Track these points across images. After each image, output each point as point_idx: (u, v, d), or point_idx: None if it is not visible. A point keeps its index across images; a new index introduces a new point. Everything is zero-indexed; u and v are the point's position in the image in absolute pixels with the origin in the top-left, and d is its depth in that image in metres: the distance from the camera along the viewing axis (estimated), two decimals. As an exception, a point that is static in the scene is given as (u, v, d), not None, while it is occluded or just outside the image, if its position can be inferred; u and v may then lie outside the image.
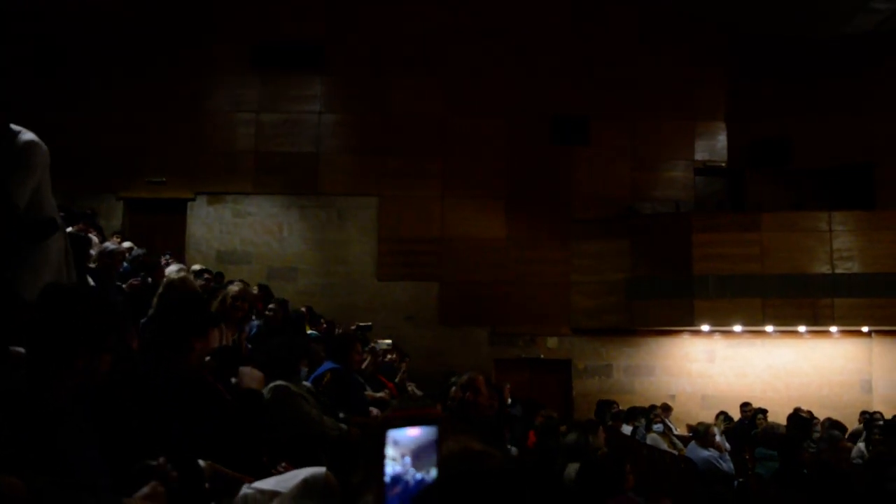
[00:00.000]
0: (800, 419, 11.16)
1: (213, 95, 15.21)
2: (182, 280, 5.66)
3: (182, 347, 3.29)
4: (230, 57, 15.16)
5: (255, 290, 8.67)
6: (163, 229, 14.43)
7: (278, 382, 4.67)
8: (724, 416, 12.89)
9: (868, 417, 11.87)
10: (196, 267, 9.64)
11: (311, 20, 15.28)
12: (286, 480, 2.81)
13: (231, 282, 7.40)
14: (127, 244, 9.30)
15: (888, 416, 12.39)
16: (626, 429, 11.61)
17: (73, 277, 2.87)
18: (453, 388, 4.65)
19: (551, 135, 15.40)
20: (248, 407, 3.70)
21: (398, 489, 1.85)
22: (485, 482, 1.38)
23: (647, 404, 13.08)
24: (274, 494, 2.76)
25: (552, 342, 15.12)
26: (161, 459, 2.32)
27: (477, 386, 4.66)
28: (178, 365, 3.28)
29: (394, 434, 1.97)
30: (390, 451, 1.93)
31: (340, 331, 9.97)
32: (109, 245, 6.97)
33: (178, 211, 14.86)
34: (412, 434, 1.98)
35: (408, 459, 2.00)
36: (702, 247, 14.20)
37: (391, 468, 1.94)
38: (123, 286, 6.74)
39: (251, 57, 15.18)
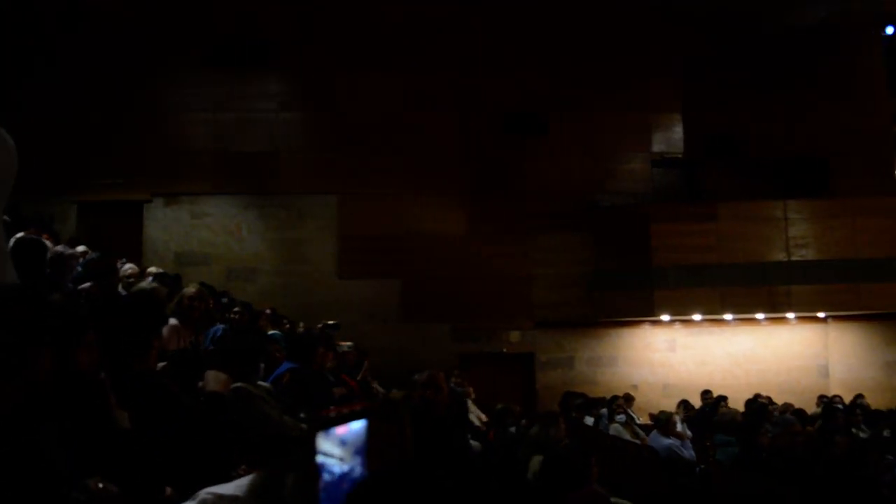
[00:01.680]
0: (757, 405, 11.35)
1: (168, 95, 14.98)
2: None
3: (142, 349, 3.25)
4: (185, 55, 14.94)
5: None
6: (119, 232, 14.18)
7: (237, 384, 4.64)
8: (684, 404, 13.04)
9: (827, 401, 12.08)
10: (152, 270, 9.50)
11: (266, 18, 15.11)
12: (244, 485, 2.77)
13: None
14: (81, 248, 9.13)
15: (846, 399, 12.64)
16: (589, 420, 11.68)
17: (12, 277, 2.80)
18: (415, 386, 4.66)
19: (509, 129, 15.41)
20: (211, 410, 3.67)
21: (346, 486, 1.84)
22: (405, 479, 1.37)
23: (609, 395, 13.17)
24: (234, 499, 2.72)
25: (514, 336, 15.16)
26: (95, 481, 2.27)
27: (438, 383, 4.67)
28: (139, 367, 3.24)
29: (339, 434, 1.95)
30: (337, 451, 1.91)
31: (300, 330, 9.92)
32: (61, 249, 6.85)
33: (134, 213, 14.65)
34: (353, 430, 1.97)
35: (356, 458, 1.99)
36: (660, 238, 14.35)
37: (338, 467, 1.92)
38: (79, 289, 6.63)
39: (206, 55, 14.95)
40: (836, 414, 9.81)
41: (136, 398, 3.08)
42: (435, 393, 4.53)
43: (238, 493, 2.69)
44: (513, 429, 8.78)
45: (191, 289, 5.48)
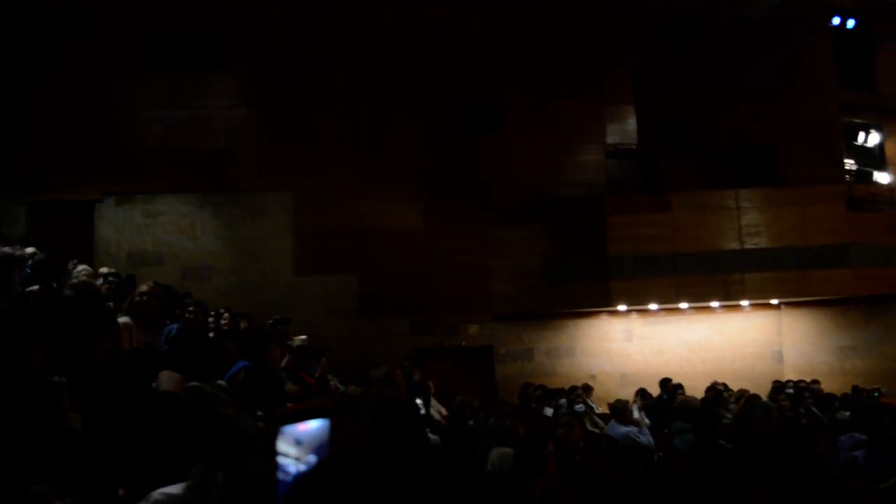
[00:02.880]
0: (713, 391, 11.51)
1: (119, 93, 14.71)
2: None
3: (88, 347, 3.20)
4: (134, 52, 14.68)
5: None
6: (70, 233, 13.93)
7: (191, 384, 4.59)
8: (642, 392, 13.17)
9: (778, 386, 12.27)
10: (104, 270, 9.34)
11: (217, 13, 14.91)
12: (189, 485, 2.74)
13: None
14: (30, 249, 8.96)
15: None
16: (549, 411, 11.74)
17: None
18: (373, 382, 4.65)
19: (464, 123, 15.40)
20: (165, 410, 3.64)
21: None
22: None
23: (568, 385, 13.29)
24: (181, 499, 2.69)
25: (473, 329, 15.20)
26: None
27: (395, 380, 4.65)
28: (90, 366, 3.20)
29: (294, 432, 1.94)
30: (292, 451, 1.90)
31: (245, 325, 9.82)
32: (9, 250, 6.71)
33: (85, 213, 14.40)
34: (312, 428, 1.96)
35: (311, 457, 1.98)
36: (615, 228, 14.48)
37: (293, 466, 1.91)
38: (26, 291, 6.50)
39: (156, 52, 14.70)
40: (779, 397, 9.99)
41: (89, 400, 3.04)
42: (392, 389, 4.51)
43: (183, 492, 2.66)
44: (471, 422, 8.78)
45: (143, 287, 5.41)
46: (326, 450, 1.70)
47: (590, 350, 15.35)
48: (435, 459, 6.00)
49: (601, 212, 14.70)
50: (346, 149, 15.03)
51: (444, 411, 10.75)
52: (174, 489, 2.83)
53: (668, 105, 15.81)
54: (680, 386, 12.74)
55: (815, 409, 10.05)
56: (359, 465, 1.63)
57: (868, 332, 15.23)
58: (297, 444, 1.72)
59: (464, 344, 15.12)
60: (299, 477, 1.75)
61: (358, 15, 15.16)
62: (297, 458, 1.73)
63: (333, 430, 1.94)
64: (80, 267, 8.34)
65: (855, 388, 13.59)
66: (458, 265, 14.95)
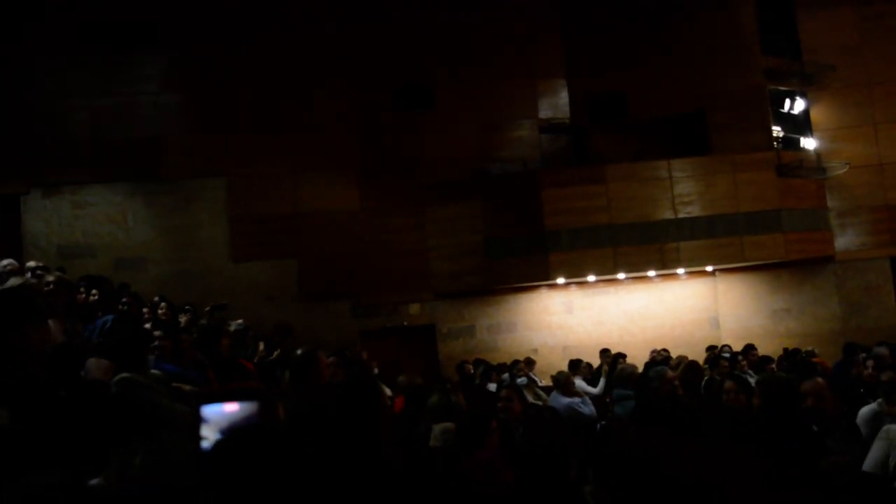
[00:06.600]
0: (653, 359, 11.70)
1: (41, 82, 14.30)
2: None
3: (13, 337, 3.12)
4: (55, 38, 14.27)
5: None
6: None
7: (123, 375, 4.54)
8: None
9: (714, 352, 12.49)
10: (31, 264, 9.13)
11: (139, -2, 14.59)
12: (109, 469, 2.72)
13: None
14: (-49, 246, 8.72)
15: (736, 348, 13.11)
16: (492, 386, 11.80)
17: None
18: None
19: (396, 101, 15.38)
20: (93, 398, 3.58)
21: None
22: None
23: (510, 360, 13.37)
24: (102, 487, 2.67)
25: (415, 309, 15.22)
26: None
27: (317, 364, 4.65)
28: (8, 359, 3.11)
29: (207, 411, 1.91)
30: (204, 430, 1.87)
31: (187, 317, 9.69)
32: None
33: (10, 206, 14.01)
34: (228, 409, 1.93)
35: (220, 436, 1.96)
36: (551, 202, 14.58)
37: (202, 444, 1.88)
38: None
39: (78, 38, 14.34)
40: (719, 362, 10.20)
41: (12, 395, 2.97)
42: (314, 375, 4.52)
43: (103, 479, 2.63)
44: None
45: (49, 276, 5.29)
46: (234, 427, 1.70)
47: (531, 324, 15.47)
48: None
49: (536, 186, 14.78)
50: (278, 132, 14.86)
51: (388, 391, 10.73)
52: (97, 480, 2.80)
53: (597, 77, 15.92)
54: (622, 355, 12.90)
55: (748, 373, 10.24)
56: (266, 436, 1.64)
57: (800, 294, 15.59)
58: (204, 422, 1.71)
59: (406, 324, 15.14)
60: (215, 445, 1.74)
61: (284, -3, 14.98)
62: (205, 438, 1.72)
63: (256, 413, 1.93)
64: (5, 261, 8.12)
65: (786, 349, 13.91)
66: (397, 245, 14.95)
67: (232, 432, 1.62)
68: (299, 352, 4.73)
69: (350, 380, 3.98)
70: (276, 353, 8.42)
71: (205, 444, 1.85)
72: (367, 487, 2.01)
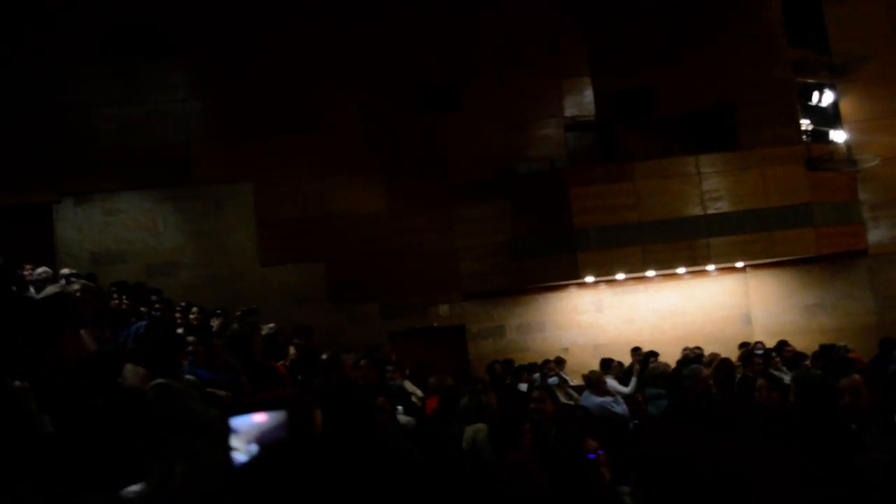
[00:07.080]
0: (685, 357, 11.60)
1: (70, 91, 14.49)
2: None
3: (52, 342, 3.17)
4: (82, 49, 14.46)
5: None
6: (28, 236, 13.68)
7: (157, 381, 4.56)
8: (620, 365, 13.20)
9: (747, 349, 12.35)
10: (65, 271, 9.25)
11: (165, 5, 14.69)
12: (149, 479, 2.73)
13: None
14: (-13, 255, 8.84)
15: (769, 344, 12.97)
16: (523, 386, 11.77)
17: None
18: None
19: (422, 103, 15.38)
20: (132, 405, 3.61)
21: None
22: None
23: (541, 360, 13.32)
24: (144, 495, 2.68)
25: (444, 309, 15.21)
26: None
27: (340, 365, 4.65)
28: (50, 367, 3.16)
29: (236, 423, 1.91)
30: (234, 442, 1.87)
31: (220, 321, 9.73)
32: (-37, 258, 6.59)
33: (43, 215, 14.19)
34: (257, 420, 1.93)
35: (253, 447, 1.95)
36: (579, 201, 14.52)
37: (237, 458, 1.88)
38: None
39: (105, 48, 14.50)
40: (752, 359, 10.08)
41: (55, 402, 3.01)
42: (338, 375, 4.52)
43: (146, 487, 2.64)
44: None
45: (74, 286, 5.32)
46: (268, 440, 1.69)
47: (561, 323, 15.41)
48: (409, 440, 5.99)
49: (564, 185, 14.73)
50: (305, 135, 14.93)
51: (419, 393, 10.74)
52: (139, 486, 2.82)
53: (624, 74, 15.81)
54: (654, 353, 12.80)
55: (782, 370, 10.12)
56: (302, 450, 1.63)
57: (833, 289, 15.38)
58: (235, 434, 1.70)
59: (435, 325, 15.13)
60: (247, 461, 1.73)
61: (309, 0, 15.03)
62: (237, 449, 1.71)
63: (283, 422, 1.92)
64: (40, 269, 8.22)
65: (822, 346, 13.72)
66: (425, 246, 14.96)
67: (266, 450, 1.62)
68: (324, 356, 4.72)
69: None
70: (291, 352, 8.45)
71: (237, 456, 1.85)
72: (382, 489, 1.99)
